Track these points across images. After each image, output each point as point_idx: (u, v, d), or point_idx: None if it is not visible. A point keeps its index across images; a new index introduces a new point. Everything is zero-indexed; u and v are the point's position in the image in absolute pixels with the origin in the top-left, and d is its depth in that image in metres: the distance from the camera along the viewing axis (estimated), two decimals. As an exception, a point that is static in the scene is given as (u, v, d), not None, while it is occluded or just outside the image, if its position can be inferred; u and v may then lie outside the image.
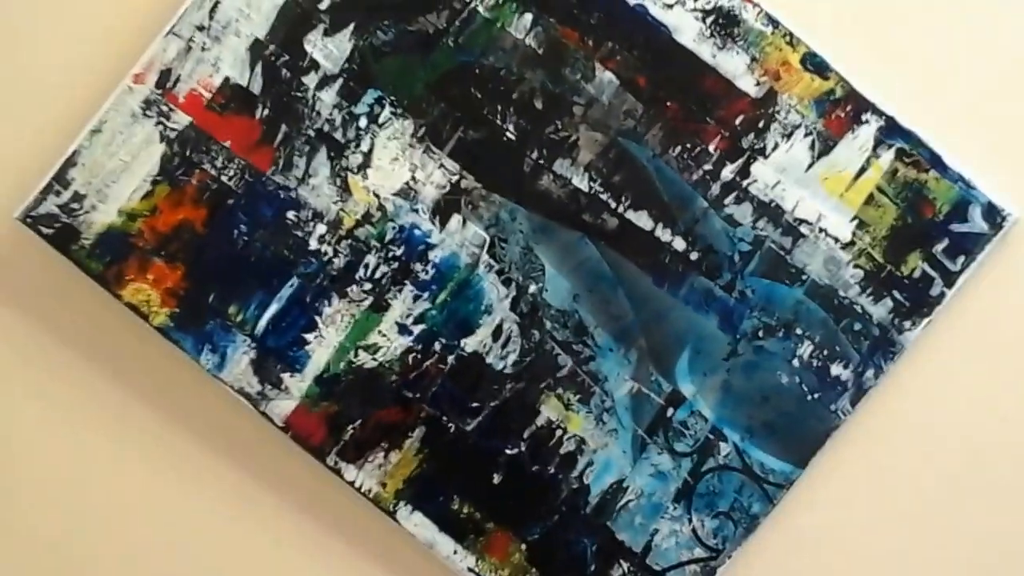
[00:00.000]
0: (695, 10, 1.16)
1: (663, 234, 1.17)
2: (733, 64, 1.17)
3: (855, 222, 1.17)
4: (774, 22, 1.16)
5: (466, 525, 1.18)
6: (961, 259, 1.17)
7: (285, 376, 1.17)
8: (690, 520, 1.19)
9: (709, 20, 1.16)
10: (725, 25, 1.16)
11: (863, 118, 1.17)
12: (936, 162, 1.16)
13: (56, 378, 1.21)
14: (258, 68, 1.16)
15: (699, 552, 1.19)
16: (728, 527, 1.19)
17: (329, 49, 1.16)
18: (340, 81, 1.17)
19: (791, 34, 1.16)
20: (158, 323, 1.17)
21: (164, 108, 1.15)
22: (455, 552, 1.18)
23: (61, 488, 1.22)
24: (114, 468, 1.22)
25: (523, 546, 1.18)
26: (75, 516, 1.22)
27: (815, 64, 1.16)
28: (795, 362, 1.18)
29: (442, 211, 1.17)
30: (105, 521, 1.22)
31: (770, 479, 1.18)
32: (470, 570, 1.18)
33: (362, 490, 1.18)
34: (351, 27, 1.16)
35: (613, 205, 1.17)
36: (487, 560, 1.19)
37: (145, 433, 1.21)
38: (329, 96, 1.16)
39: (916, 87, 1.19)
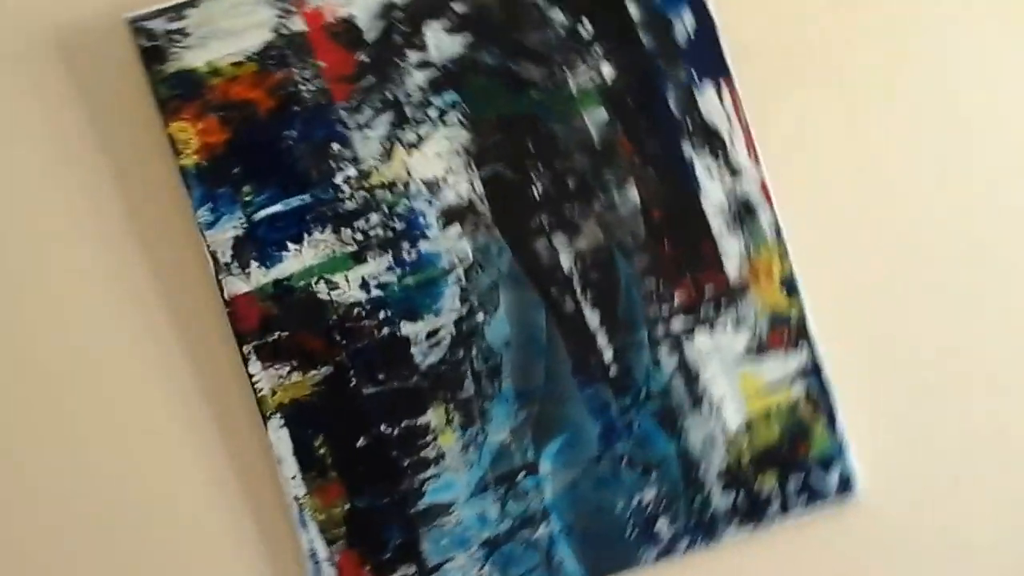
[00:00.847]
0: (731, 191, 1.25)
1: (601, 339, 1.25)
2: (732, 247, 1.25)
3: (746, 424, 1.25)
4: (779, 233, 1.25)
5: (315, 463, 1.23)
6: (804, 497, 1.26)
7: (254, 264, 1.22)
8: (482, 567, 1.24)
9: (734, 204, 1.25)
10: (743, 214, 1.25)
11: (798, 348, 1.25)
12: (831, 417, 1.25)
13: (77, 164, 1.24)
14: (380, 23, 1.22)
15: (474, 597, 1.25)
16: (507, 592, 1.25)
17: (442, 42, 1.23)
18: (435, 71, 1.23)
19: (786, 251, 1.25)
20: (184, 163, 1.21)
21: (290, 8, 1.22)
22: (294, 477, 1.23)
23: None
24: (74, 253, 1.25)
25: (347, 506, 1.23)
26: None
27: (789, 286, 1.25)
28: (635, 499, 1.25)
29: (449, 216, 1.23)
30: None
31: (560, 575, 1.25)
32: (296, 498, 1.23)
33: (255, 385, 1.22)
34: (469, 36, 1.23)
35: (578, 293, 1.24)
36: (313, 499, 1.23)
37: (116, 245, 1.24)
38: (420, 78, 1.23)
39: (854, 352, 1.27)
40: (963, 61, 1.29)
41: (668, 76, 1.25)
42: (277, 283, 1.23)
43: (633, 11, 1.24)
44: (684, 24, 1.24)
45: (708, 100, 1.25)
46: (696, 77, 1.25)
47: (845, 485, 1.26)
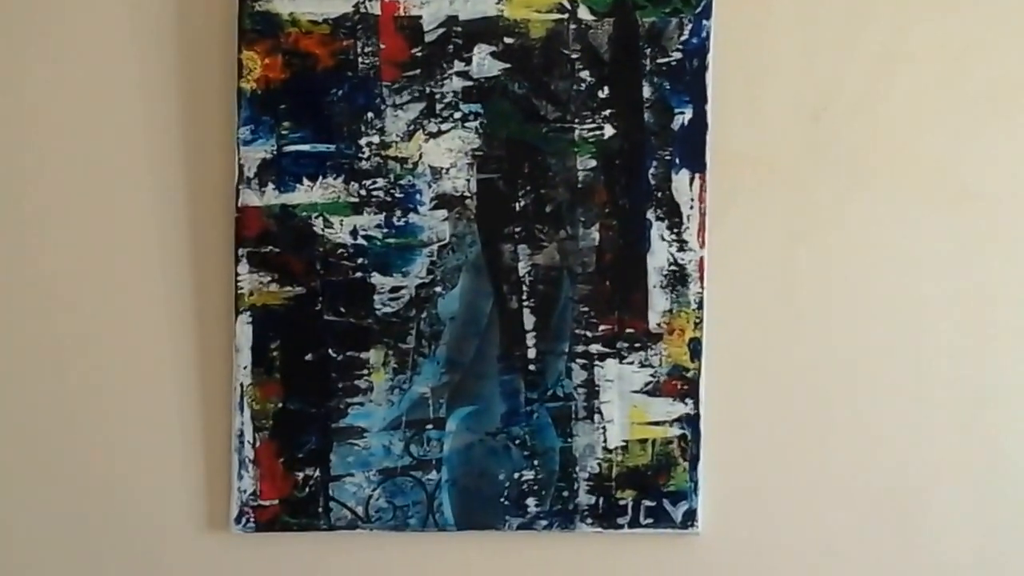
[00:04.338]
0: (674, 259, 1.26)
1: (530, 339, 1.25)
2: (659, 302, 1.26)
3: (624, 445, 1.26)
4: (700, 305, 1.25)
5: (266, 361, 1.24)
6: (652, 520, 1.27)
7: (270, 186, 1.23)
8: (374, 489, 1.25)
9: (673, 270, 1.26)
10: (676, 280, 1.26)
11: (685, 401, 1.26)
12: (693, 461, 1.26)
13: (155, 60, 1.24)
14: (441, 31, 1.23)
15: (359, 510, 1.25)
16: (388, 515, 1.26)
17: (484, 63, 1.23)
18: (470, 83, 1.24)
19: (701, 321, 1.25)
20: (243, 86, 1.22)
21: (370, -8, 1.21)
22: (245, 367, 1.24)
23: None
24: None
25: (280, 404, 1.24)
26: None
27: (694, 349, 1.26)
28: (516, 475, 1.26)
29: (442, 201, 1.24)
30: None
31: (436, 519, 1.26)
32: (241, 384, 1.24)
33: (238, 283, 1.23)
34: (507, 65, 1.24)
35: (524, 298, 1.25)
36: (254, 389, 1.24)
37: (164, 135, 1.25)
38: (456, 84, 1.23)
39: (729, 419, 1.28)
40: (902, 226, 1.31)
41: (655, 152, 1.25)
42: (284, 207, 1.24)
43: (647, 92, 1.25)
44: (683, 117, 1.25)
45: (681, 182, 1.25)
46: (677, 161, 1.25)
47: (689, 518, 1.27)
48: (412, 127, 1.24)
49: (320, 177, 1.24)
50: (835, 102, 1.28)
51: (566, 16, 1.24)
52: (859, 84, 1.28)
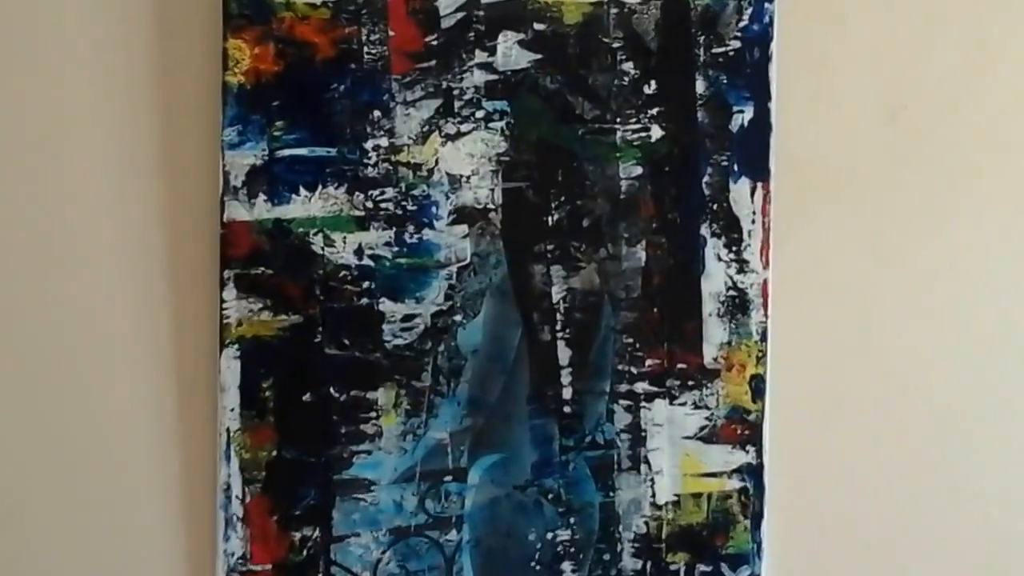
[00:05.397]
0: (733, 282, 1.17)
1: (564, 377, 1.16)
2: (715, 333, 1.17)
3: (675, 499, 1.18)
4: (764, 336, 1.17)
5: (257, 403, 1.14)
6: None
7: (261, 197, 1.13)
8: (383, 552, 1.15)
9: (731, 295, 1.17)
10: (736, 307, 1.17)
11: (747, 448, 1.18)
12: (757, 519, 1.18)
13: (129, 49, 1.15)
14: (460, 15, 1.14)
15: (366, 576, 1.16)
16: (402, 583, 1.16)
17: (511, 53, 1.15)
18: (494, 76, 1.15)
19: (764, 354, 1.17)
20: (229, 80, 1.12)
21: (378, -26, 1.14)
22: (232, 409, 1.14)
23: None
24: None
25: (274, 453, 1.15)
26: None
27: (757, 387, 1.18)
28: (549, 535, 1.17)
29: (461, 214, 1.15)
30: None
31: (458, 584, 1.17)
32: (227, 429, 1.14)
33: (223, 310, 1.14)
34: (538, 55, 1.15)
35: (557, 328, 1.16)
36: (244, 436, 1.14)
37: (137, 135, 1.15)
38: (478, 78, 1.14)
39: (796, 469, 1.20)
40: (991, 242, 1.23)
41: (710, 157, 1.17)
42: (277, 222, 1.14)
43: (700, 87, 1.16)
44: (743, 116, 1.17)
45: (740, 193, 1.17)
46: (736, 168, 1.17)
47: (750, 586, 1.19)
48: (427, 128, 1.15)
49: (319, 186, 1.14)
50: (919, 98, 1.21)
51: (606, -2, 1.16)
52: (946, 77, 1.21)
